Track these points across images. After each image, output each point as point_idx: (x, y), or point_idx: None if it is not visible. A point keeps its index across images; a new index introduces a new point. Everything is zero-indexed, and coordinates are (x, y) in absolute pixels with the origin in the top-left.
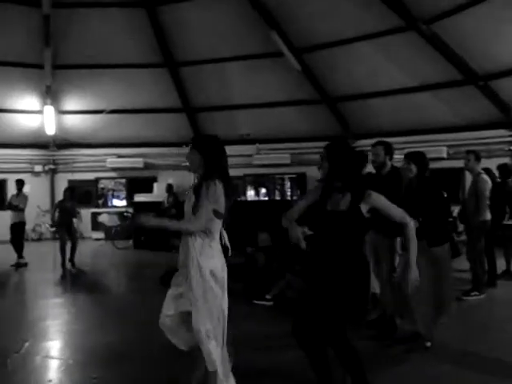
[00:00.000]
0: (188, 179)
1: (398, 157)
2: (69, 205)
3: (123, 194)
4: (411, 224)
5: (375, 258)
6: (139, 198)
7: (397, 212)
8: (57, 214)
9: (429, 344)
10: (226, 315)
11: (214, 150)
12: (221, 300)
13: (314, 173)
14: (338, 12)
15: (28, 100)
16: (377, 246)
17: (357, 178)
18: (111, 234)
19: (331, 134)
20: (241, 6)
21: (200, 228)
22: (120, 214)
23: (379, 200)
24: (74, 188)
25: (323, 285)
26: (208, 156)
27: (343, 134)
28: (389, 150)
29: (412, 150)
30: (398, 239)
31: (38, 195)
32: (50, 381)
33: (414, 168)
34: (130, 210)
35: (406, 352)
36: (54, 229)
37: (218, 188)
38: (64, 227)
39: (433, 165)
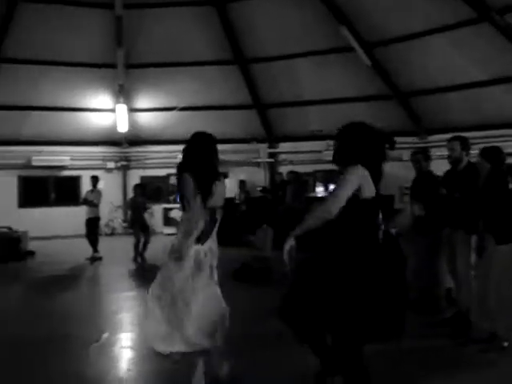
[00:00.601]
0: (258, 175)
1: (474, 152)
2: (140, 200)
3: None
4: (326, 204)
5: (450, 255)
6: None
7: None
8: (129, 212)
9: (506, 344)
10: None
11: (189, 147)
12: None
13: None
14: (409, 5)
15: (101, 99)
16: (452, 242)
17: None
18: None
19: (402, 129)
20: (310, 1)
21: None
22: None
23: (344, 176)
24: (144, 185)
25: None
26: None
27: (415, 130)
28: (465, 145)
29: (488, 145)
30: (474, 236)
31: (110, 191)
32: (129, 370)
33: (486, 164)
34: None
35: (482, 351)
36: (126, 224)
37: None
38: (137, 224)
39: (510, 160)
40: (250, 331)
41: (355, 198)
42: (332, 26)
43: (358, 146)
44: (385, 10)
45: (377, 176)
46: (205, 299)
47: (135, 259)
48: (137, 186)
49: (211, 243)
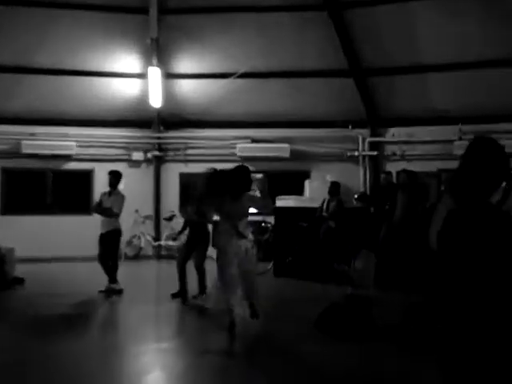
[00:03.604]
0: (355, 176)
1: None
2: (194, 205)
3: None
4: None
5: None
6: (283, 201)
7: None
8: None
9: None
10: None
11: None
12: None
13: None
14: None
15: (125, 59)
16: None
17: None
18: None
19: None
20: None
21: None
22: (258, 224)
23: None
24: (200, 183)
25: None
26: None
27: None
28: None
29: None
30: None
31: (136, 194)
32: None
33: None
34: (269, 219)
35: None
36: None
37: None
38: (194, 239)
39: None
40: None
41: None
42: None
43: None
44: None
45: None
46: None
47: (179, 293)
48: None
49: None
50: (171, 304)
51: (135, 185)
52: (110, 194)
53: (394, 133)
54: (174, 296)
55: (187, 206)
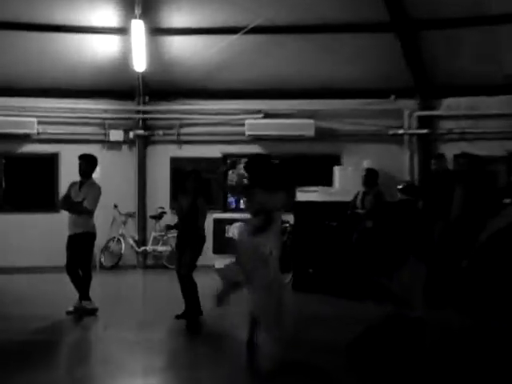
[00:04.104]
0: (399, 160)
1: None
2: (188, 201)
3: None
4: None
5: None
6: (306, 194)
7: None
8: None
9: None
10: None
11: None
12: None
13: None
14: None
15: (100, 10)
16: None
17: None
18: None
19: None
20: None
21: None
22: None
23: None
24: (198, 172)
25: None
26: None
27: None
28: None
29: None
30: None
31: (115, 185)
32: None
33: None
34: (287, 217)
35: None
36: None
37: None
38: (182, 241)
39: None
40: None
41: None
42: None
43: None
44: None
45: None
46: None
47: (184, 314)
48: (189, 174)
49: None
50: (160, 328)
51: (114, 173)
52: (81, 184)
53: (450, 104)
54: (177, 317)
55: (180, 197)
